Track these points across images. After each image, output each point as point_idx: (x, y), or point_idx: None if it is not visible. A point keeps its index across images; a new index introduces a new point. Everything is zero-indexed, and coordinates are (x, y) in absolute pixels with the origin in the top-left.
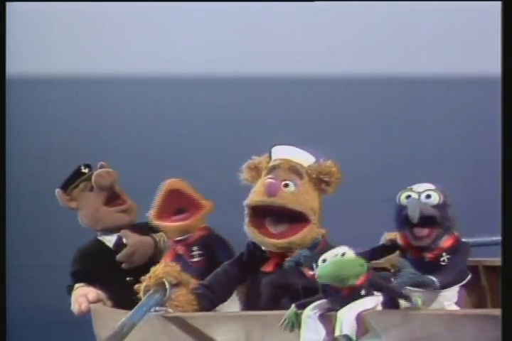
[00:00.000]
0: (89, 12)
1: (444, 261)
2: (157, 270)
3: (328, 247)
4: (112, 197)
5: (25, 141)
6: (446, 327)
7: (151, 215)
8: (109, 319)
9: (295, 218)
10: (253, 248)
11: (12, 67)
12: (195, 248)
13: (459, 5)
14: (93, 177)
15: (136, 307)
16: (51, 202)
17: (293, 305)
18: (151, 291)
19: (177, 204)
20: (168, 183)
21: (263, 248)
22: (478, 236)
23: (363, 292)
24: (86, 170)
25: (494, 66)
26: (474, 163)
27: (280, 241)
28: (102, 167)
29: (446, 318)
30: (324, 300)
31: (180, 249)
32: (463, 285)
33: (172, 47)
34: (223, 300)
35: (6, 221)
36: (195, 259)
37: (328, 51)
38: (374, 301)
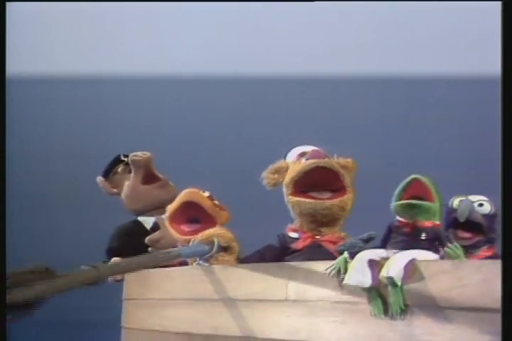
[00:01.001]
0: (89, 12)
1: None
2: (212, 231)
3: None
4: (149, 176)
5: (25, 141)
6: (493, 275)
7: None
8: (140, 285)
9: (333, 188)
10: (283, 238)
11: (12, 67)
12: (200, 262)
13: (459, 5)
14: (130, 157)
15: (173, 249)
16: (52, 201)
17: (346, 252)
18: (197, 241)
19: (190, 214)
20: (186, 194)
21: (292, 235)
22: None
23: (423, 235)
24: (125, 159)
25: (494, 66)
26: (474, 162)
27: (333, 200)
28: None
29: (494, 266)
30: (380, 249)
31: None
32: None
33: (172, 47)
34: None
35: (6, 221)
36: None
37: (328, 51)
38: (431, 255)
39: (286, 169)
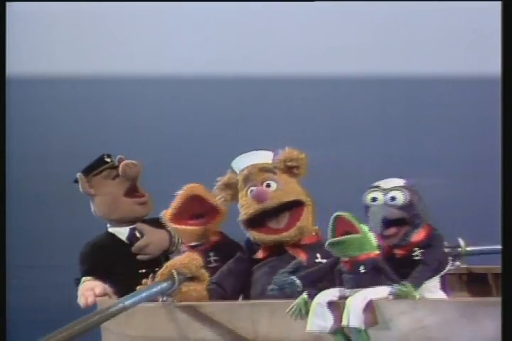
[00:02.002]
0: (89, 12)
1: (417, 255)
2: (176, 260)
3: (320, 244)
4: (133, 189)
5: (25, 141)
6: (453, 314)
7: (166, 216)
8: None
9: (290, 208)
10: (250, 244)
11: (12, 67)
12: (211, 254)
13: (459, 5)
14: (121, 166)
15: (134, 292)
16: (51, 202)
17: (304, 293)
18: (158, 279)
19: (195, 209)
20: (189, 188)
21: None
22: (480, 244)
23: (362, 269)
24: (108, 160)
25: (494, 66)
26: (474, 162)
27: (289, 231)
28: (120, 160)
29: (454, 306)
30: (334, 289)
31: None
32: (445, 274)
33: (172, 47)
34: (233, 295)
35: (6, 221)
36: (212, 265)
37: (328, 51)
38: (383, 291)
39: (236, 186)
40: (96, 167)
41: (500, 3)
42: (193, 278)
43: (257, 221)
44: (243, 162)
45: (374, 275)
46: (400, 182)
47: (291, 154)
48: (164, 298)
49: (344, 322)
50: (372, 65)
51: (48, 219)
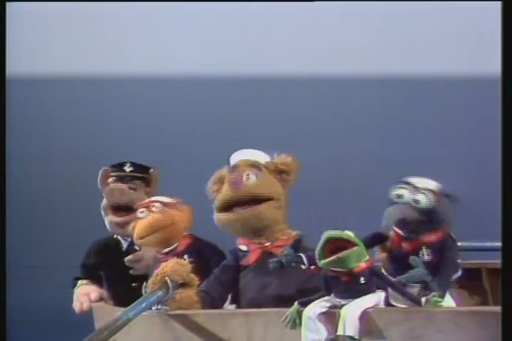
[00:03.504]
0: (89, 12)
1: (423, 255)
2: (166, 267)
3: (304, 248)
4: (118, 207)
5: (25, 141)
6: (447, 324)
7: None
8: (110, 318)
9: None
10: (235, 251)
11: (12, 67)
12: (186, 256)
13: (459, 5)
14: (107, 190)
15: (135, 303)
16: (51, 202)
17: (296, 303)
18: (154, 288)
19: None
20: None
21: (243, 248)
22: (478, 240)
23: (362, 279)
24: (128, 170)
25: (494, 66)
26: (474, 163)
27: (245, 213)
28: (148, 173)
29: (448, 316)
30: (324, 299)
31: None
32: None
33: (172, 47)
34: (221, 303)
35: (5, 221)
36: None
37: (328, 51)
38: (377, 298)
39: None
40: (114, 169)
41: (500, 3)
42: (183, 284)
43: (227, 210)
44: (240, 155)
45: (371, 284)
46: (431, 184)
47: (284, 159)
48: (158, 307)
49: (340, 332)
50: (372, 65)
51: (49, 218)
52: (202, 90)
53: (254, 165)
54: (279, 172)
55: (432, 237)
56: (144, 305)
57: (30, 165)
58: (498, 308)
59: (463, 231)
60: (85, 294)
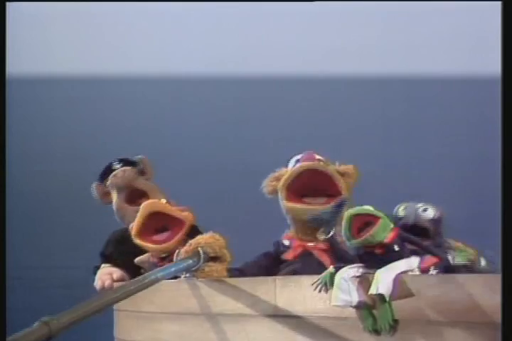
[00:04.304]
0: (89, 12)
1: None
2: (200, 238)
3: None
4: (133, 194)
5: (25, 140)
6: (481, 289)
7: (132, 232)
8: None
9: (329, 195)
10: (277, 245)
11: (12, 67)
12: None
13: (459, 5)
14: (109, 178)
15: (166, 265)
16: (51, 202)
17: (331, 266)
18: (183, 256)
19: (158, 224)
20: (146, 206)
21: (285, 243)
22: (479, 242)
23: (396, 247)
24: (118, 166)
25: (494, 66)
26: (474, 163)
27: (325, 206)
28: (138, 163)
29: (482, 280)
30: (360, 265)
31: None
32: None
33: (172, 47)
34: None
35: (5, 221)
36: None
37: (329, 51)
38: (411, 263)
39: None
40: (105, 175)
41: (500, 3)
42: (215, 259)
43: (295, 189)
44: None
45: (404, 250)
46: (430, 205)
47: (347, 169)
48: (187, 275)
49: (372, 291)
50: (373, 65)
51: (48, 218)
52: (202, 90)
53: (322, 161)
54: (341, 174)
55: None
56: (173, 269)
57: (30, 165)
58: None
59: (463, 230)
60: (108, 273)
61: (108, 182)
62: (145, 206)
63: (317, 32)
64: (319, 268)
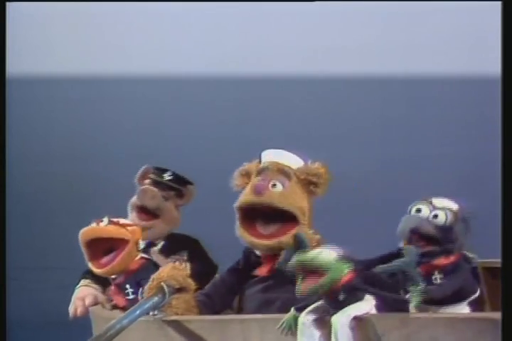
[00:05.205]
0: (89, 12)
1: (435, 279)
2: (162, 272)
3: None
4: (142, 211)
5: (25, 141)
6: (445, 330)
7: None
8: (106, 322)
9: (284, 219)
10: (248, 253)
11: (12, 67)
12: (127, 286)
13: (459, 5)
14: (140, 191)
15: (129, 310)
16: (49, 202)
17: (292, 308)
18: (149, 294)
19: (103, 247)
20: (82, 234)
21: (257, 253)
22: (478, 243)
23: (341, 296)
24: (166, 178)
25: (494, 66)
26: (474, 163)
27: (269, 241)
28: (186, 186)
29: (445, 322)
30: (319, 303)
31: (114, 290)
32: (472, 303)
33: (172, 47)
34: (223, 308)
35: (5, 221)
36: (130, 297)
37: (328, 51)
38: (367, 305)
39: (250, 177)
40: (155, 172)
41: (500, 3)
42: (180, 289)
43: (247, 216)
44: (272, 156)
45: (354, 296)
46: (452, 205)
47: (317, 170)
48: (155, 313)
49: None
50: (373, 65)
51: (48, 219)
52: (202, 90)
53: (284, 172)
54: (309, 183)
55: (444, 261)
56: (138, 312)
57: (30, 166)
58: (494, 314)
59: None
60: (81, 298)
61: (136, 198)
62: (81, 234)
63: (317, 32)
64: (293, 285)
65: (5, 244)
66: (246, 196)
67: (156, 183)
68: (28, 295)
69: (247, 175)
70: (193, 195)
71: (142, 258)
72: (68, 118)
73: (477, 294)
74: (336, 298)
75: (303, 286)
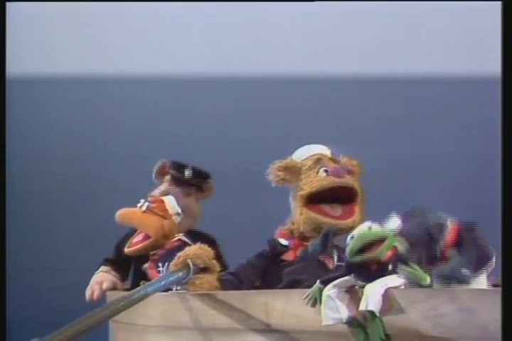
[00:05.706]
0: (89, 12)
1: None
2: (189, 250)
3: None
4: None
5: (25, 141)
6: (470, 303)
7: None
8: None
9: (344, 201)
10: (274, 243)
11: (12, 67)
12: (160, 264)
13: (459, 5)
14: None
15: (155, 280)
16: (50, 202)
17: (318, 281)
18: (175, 268)
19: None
20: (118, 216)
21: (283, 242)
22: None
23: (390, 266)
24: (187, 175)
25: (494, 66)
26: (474, 163)
27: (345, 221)
28: (206, 179)
29: (470, 294)
30: (344, 278)
31: (150, 265)
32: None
33: (172, 47)
34: (247, 288)
35: (5, 221)
36: (161, 275)
37: (329, 51)
38: (400, 280)
39: (299, 169)
40: (175, 167)
41: (500, 3)
42: (204, 269)
43: (317, 198)
44: (308, 150)
45: (397, 268)
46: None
47: (351, 161)
48: (178, 288)
49: (362, 307)
50: (373, 65)
51: (48, 219)
52: (202, 90)
53: (335, 161)
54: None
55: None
56: (162, 282)
57: (30, 165)
58: None
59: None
60: (98, 282)
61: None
62: (118, 216)
63: (317, 32)
64: (320, 268)
65: (5, 244)
66: (325, 181)
67: (176, 180)
68: (28, 296)
69: (287, 169)
70: (213, 188)
71: (179, 239)
72: (68, 118)
73: (493, 260)
74: (386, 268)
75: (365, 255)
